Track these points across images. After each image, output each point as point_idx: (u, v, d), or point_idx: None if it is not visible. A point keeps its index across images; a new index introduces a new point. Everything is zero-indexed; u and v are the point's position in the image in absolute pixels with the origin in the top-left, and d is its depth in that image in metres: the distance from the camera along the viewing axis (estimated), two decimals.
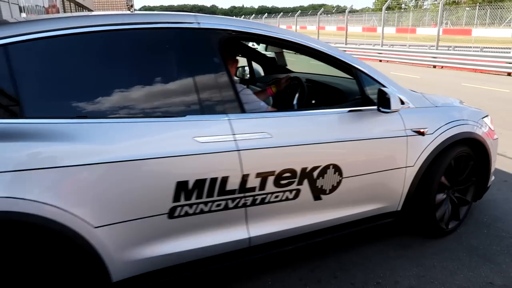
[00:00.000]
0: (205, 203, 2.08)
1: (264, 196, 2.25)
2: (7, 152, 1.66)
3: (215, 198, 2.10)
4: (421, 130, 2.72)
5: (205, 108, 2.14)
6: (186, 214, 2.05)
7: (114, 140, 1.88)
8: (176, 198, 1.99)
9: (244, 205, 2.21)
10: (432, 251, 2.92)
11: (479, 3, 29.52)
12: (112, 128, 1.89)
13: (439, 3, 18.40)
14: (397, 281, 2.59)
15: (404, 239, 3.08)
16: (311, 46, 2.53)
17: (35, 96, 1.83)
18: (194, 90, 2.12)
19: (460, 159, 3.03)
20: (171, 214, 2.01)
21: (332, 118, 2.49)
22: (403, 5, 52.63)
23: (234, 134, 2.11)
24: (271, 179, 2.23)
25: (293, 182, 2.32)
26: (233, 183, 2.12)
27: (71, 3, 14.18)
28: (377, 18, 33.23)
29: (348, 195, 2.58)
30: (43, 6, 8.19)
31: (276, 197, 2.30)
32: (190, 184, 2.01)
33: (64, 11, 11.58)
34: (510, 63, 13.49)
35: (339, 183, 2.48)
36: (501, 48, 17.19)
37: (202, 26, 2.21)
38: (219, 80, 2.18)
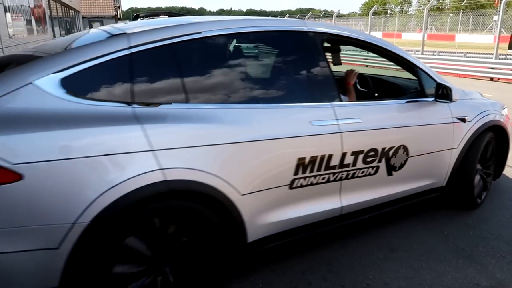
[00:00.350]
0: (314, 176, 2.52)
1: (354, 171, 2.70)
2: (182, 132, 2.06)
3: (321, 172, 2.53)
4: (464, 118, 3.28)
5: (317, 97, 2.61)
6: (301, 185, 2.48)
7: (254, 123, 2.29)
8: (296, 172, 2.42)
9: (340, 179, 2.66)
10: (420, 253, 2.96)
11: (462, 9, 30.11)
12: (253, 113, 2.32)
13: (424, 9, 18.72)
14: (386, 282, 2.61)
15: (392, 241, 3.11)
16: (389, 49, 3.06)
17: (197, 86, 2.25)
18: (309, 81, 2.65)
19: (489, 143, 3.62)
20: (291, 185, 2.44)
21: (400, 107, 3.02)
22: (389, 11, 53.40)
23: (337, 119, 2.56)
24: (360, 157, 2.69)
25: (375, 159, 2.79)
26: (335, 160, 2.56)
27: (57, 3, 13.97)
28: (364, 23, 33.63)
29: (411, 172, 3.05)
30: (29, 6, 8.05)
31: (362, 172, 2.76)
32: (306, 160, 2.43)
33: (50, 11, 11.40)
34: (492, 68, 13.80)
35: (405, 161, 2.97)
36: (484, 53, 17.57)
37: (310, 29, 2.66)
38: (325, 73, 2.65)
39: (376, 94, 3.55)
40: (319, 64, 2.64)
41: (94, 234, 1.82)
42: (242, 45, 2.76)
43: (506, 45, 14.42)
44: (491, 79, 13.72)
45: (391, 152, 2.84)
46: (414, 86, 3.34)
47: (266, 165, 2.31)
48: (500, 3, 14.48)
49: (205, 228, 2.18)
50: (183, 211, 2.10)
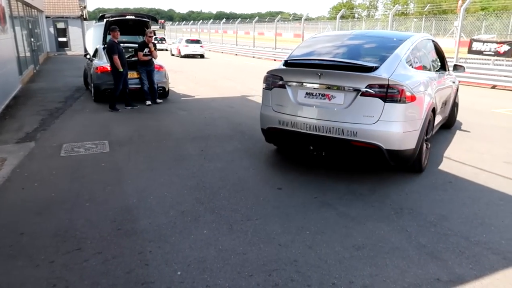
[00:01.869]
0: (438, 107, 5.42)
1: (442, 106, 5.74)
2: (434, 83, 5.25)
3: (440, 106, 5.60)
4: (454, 82, 6.81)
5: (442, 69, 6.21)
6: (436, 111, 5.25)
7: (437, 81, 5.47)
8: (438, 105, 5.31)
9: (438, 109, 5.43)
10: (384, 251, 3.03)
11: (425, 15, 31.21)
12: (436, 76, 5.55)
13: (389, 14, 19.25)
14: (352, 281, 2.66)
15: (358, 240, 3.17)
16: (443, 52, 6.31)
17: (428, 62, 5.62)
18: (441, 62, 6.23)
19: (456, 95, 7.21)
20: (434, 112, 5.14)
21: (445, 76, 6.06)
22: (356, 15, 54.63)
23: (447, 79, 6.21)
24: (444, 100, 5.91)
25: (446, 101, 6.13)
26: (444, 100, 5.95)
27: (18, 2, 13.42)
28: (332, 26, 34.24)
29: (446, 108, 6.31)
30: None
31: (443, 106, 5.87)
32: (442, 99, 5.72)
33: (10, 11, 10.93)
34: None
35: (447, 102, 6.23)
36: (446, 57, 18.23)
37: (432, 39, 6.16)
38: (439, 59, 6.16)
39: None
40: (438, 55, 6.12)
41: (425, 125, 4.61)
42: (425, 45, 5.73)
43: (466, 49, 15.03)
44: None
45: (447, 97, 6.12)
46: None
47: (439, 100, 5.36)
48: (460, 9, 15.11)
49: (432, 122, 5.07)
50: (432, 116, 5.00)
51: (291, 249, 3.02)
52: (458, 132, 6.93)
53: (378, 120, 4.17)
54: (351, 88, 4.27)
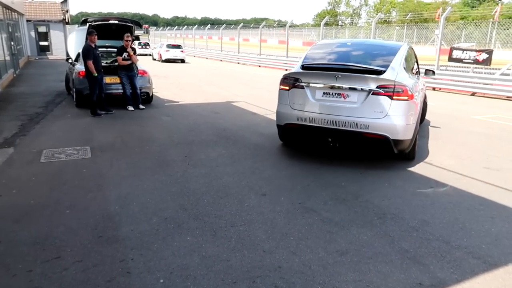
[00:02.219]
0: (420, 101, 6.38)
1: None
2: (417, 83, 5.99)
3: (422, 100, 6.64)
4: (425, 84, 7.94)
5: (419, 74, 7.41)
6: (421, 104, 6.45)
7: (420, 82, 6.55)
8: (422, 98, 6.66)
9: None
10: (367, 256, 3.04)
11: (407, 23, 31.84)
12: (419, 79, 6.60)
13: (372, 22, 19.58)
14: (336, 286, 2.66)
15: (342, 246, 3.18)
16: (417, 59, 7.10)
17: (413, 67, 6.56)
18: (416, 67, 7.04)
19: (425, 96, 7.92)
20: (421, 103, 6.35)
21: (421, 79, 6.91)
22: (340, 22, 55.42)
23: (423, 83, 7.50)
24: (422, 96, 6.85)
25: (422, 99, 6.60)
26: (422, 95, 6.89)
27: None
28: (316, 33, 34.60)
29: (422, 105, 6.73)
30: None
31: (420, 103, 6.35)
32: (424, 94, 7.37)
33: None
34: (434, 78, 14.61)
35: (422, 101, 6.64)
36: (426, 64, 18.60)
37: (410, 46, 6.78)
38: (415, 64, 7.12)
39: None
40: (415, 61, 6.73)
41: (418, 119, 5.62)
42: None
43: (447, 57, 15.37)
44: (433, 88, 14.57)
45: (423, 96, 6.75)
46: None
47: (421, 96, 6.13)
48: (441, 18, 15.46)
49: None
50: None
51: (275, 255, 3.01)
52: (439, 138, 7.06)
53: (386, 115, 4.92)
54: (364, 88, 4.98)
